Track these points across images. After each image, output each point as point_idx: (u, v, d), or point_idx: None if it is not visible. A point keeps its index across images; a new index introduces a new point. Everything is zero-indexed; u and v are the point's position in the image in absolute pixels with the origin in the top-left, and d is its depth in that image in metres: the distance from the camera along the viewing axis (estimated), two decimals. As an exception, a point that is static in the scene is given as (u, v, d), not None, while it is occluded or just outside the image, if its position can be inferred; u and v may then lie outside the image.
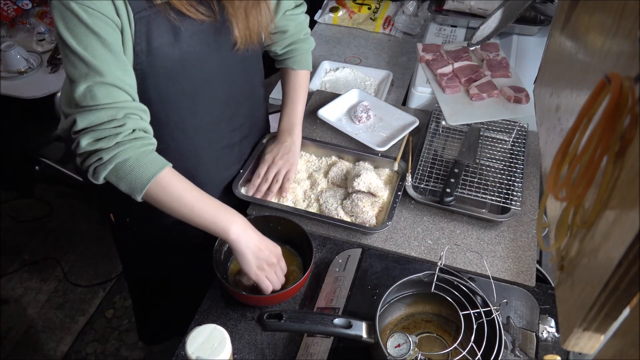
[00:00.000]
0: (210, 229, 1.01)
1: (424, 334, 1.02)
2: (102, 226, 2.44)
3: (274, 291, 1.05)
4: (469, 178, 1.28)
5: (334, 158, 1.38)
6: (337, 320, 0.92)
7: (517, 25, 1.72)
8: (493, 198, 1.23)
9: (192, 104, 1.12)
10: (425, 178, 1.28)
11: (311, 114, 1.48)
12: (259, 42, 1.15)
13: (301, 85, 1.35)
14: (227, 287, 1.05)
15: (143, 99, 1.01)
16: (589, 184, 0.49)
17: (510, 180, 1.28)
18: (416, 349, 0.91)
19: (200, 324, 0.84)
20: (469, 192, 1.23)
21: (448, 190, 1.22)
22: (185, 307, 1.22)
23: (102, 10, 0.90)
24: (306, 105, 1.38)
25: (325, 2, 2.16)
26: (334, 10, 2.08)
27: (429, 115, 1.46)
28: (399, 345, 0.90)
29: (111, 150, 0.95)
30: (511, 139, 1.40)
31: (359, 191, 1.23)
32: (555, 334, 1.03)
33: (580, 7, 0.67)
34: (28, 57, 2.11)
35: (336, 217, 1.23)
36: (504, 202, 1.22)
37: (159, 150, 1.02)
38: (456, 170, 1.26)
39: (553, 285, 1.08)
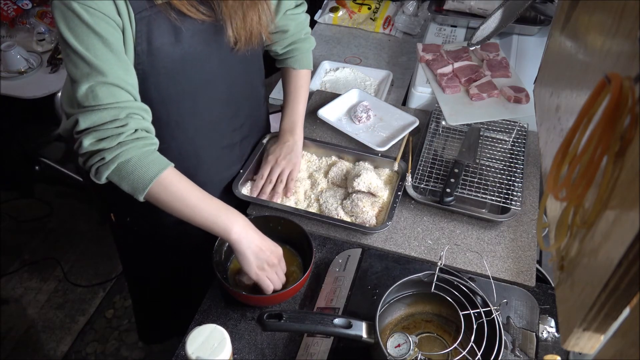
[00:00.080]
0: (212, 229, 1.02)
1: (424, 334, 1.02)
2: (102, 226, 2.44)
3: (274, 291, 1.05)
4: (469, 178, 1.28)
5: (334, 158, 1.38)
6: (337, 320, 0.92)
7: (517, 25, 1.72)
8: (493, 198, 1.23)
9: (192, 104, 1.12)
10: (425, 178, 1.28)
11: (311, 114, 1.48)
12: (260, 43, 1.15)
13: (302, 84, 1.35)
14: (227, 287, 1.05)
15: (144, 99, 1.02)
16: (589, 184, 0.49)
17: (510, 180, 1.28)
18: (416, 349, 0.91)
19: (200, 324, 0.84)
20: (469, 192, 1.23)
21: (448, 190, 1.22)
22: (185, 307, 1.22)
23: (103, 10, 0.90)
24: (307, 105, 1.38)
25: (325, 2, 2.16)
26: (334, 10, 2.08)
27: (429, 115, 1.46)
28: (399, 345, 0.90)
29: (113, 150, 0.95)
30: (511, 139, 1.40)
31: (359, 191, 1.24)
32: (555, 334, 1.03)
33: (580, 7, 0.67)
34: (28, 57, 2.11)
35: (336, 217, 1.23)
36: (504, 202, 1.22)
37: (160, 150, 1.02)
38: (456, 170, 1.26)
39: (553, 285, 1.08)
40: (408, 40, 1.98)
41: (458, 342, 0.91)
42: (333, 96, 1.54)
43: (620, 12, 0.50)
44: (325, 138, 1.44)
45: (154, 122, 1.02)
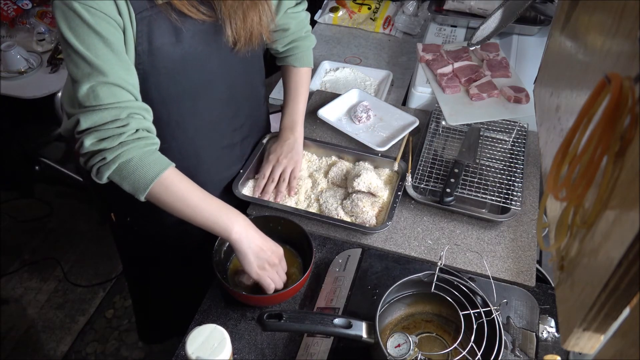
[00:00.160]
0: (213, 229, 1.02)
1: (424, 334, 1.02)
2: (102, 226, 2.44)
3: (275, 291, 1.05)
4: (469, 178, 1.28)
5: (334, 158, 1.38)
6: (337, 320, 0.92)
7: (517, 25, 1.72)
8: (493, 198, 1.23)
9: (193, 104, 1.12)
10: (425, 178, 1.28)
11: (311, 114, 1.48)
12: (260, 43, 1.15)
13: (303, 82, 1.35)
14: (227, 287, 1.05)
15: (144, 99, 1.02)
16: (589, 184, 0.49)
17: (510, 180, 1.28)
18: (416, 349, 0.91)
19: (200, 324, 0.84)
20: (469, 192, 1.23)
21: (448, 190, 1.22)
22: (185, 307, 1.22)
23: (104, 10, 0.90)
24: (307, 105, 1.38)
25: (325, 2, 2.16)
26: (334, 10, 2.08)
27: (429, 115, 1.46)
28: (399, 345, 0.90)
29: (115, 150, 0.95)
30: (511, 139, 1.40)
31: (359, 191, 1.24)
32: (555, 334, 1.03)
33: (580, 7, 0.67)
34: (28, 57, 2.11)
35: (336, 217, 1.23)
36: (504, 202, 1.22)
37: (160, 150, 1.02)
38: (456, 170, 1.26)
39: (553, 285, 1.08)
40: (408, 40, 1.98)
41: (458, 342, 0.91)
42: (333, 96, 1.54)
43: (620, 12, 0.50)
44: (325, 138, 1.44)
45: (154, 122, 1.02)
